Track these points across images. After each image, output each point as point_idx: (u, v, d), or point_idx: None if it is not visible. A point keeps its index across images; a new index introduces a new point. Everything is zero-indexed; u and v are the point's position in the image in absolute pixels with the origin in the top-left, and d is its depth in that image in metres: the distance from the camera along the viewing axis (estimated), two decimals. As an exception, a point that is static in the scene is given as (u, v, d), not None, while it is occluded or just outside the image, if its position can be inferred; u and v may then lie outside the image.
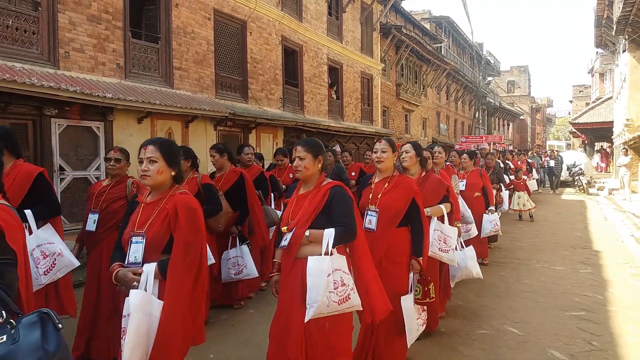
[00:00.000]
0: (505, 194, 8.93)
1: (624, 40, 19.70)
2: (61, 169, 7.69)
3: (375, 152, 3.70)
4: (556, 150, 26.07)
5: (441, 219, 4.25)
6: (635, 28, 16.48)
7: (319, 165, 3.02)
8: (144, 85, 9.17)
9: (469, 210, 6.03)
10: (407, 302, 3.54)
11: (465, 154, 7.21)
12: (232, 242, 5.16)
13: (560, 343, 4.32)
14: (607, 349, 4.21)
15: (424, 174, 4.22)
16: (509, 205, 11.70)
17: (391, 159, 3.70)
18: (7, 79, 6.37)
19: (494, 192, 8.11)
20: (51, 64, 7.67)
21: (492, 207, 7.21)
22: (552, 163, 20.77)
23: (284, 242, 2.92)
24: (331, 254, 2.77)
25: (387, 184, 3.65)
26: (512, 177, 12.16)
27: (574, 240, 9.42)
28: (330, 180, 3.10)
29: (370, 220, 3.59)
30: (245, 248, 5.12)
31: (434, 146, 5.35)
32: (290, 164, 6.89)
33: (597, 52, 37.23)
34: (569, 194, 19.71)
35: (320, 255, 2.75)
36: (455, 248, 4.49)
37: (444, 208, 4.16)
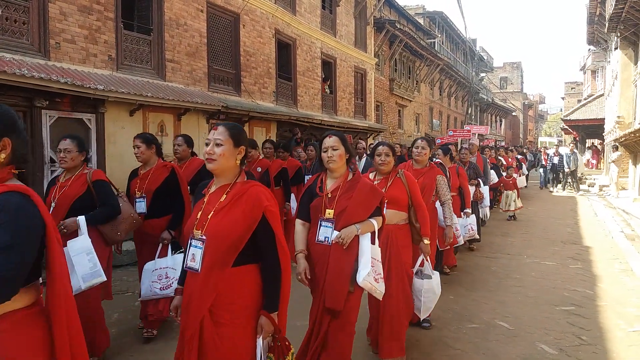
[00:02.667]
0: (485, 189, 8.34)
1: (616, 37, 19.79)
2: (52, 161, 7.61)
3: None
4: (555, 146, 25.99)
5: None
6: (628, 25, 16.56)
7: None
8: (136, 77, 9.09)
9: (455, 215, 5.54)
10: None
11: (439, 150, 6.60)
12: (162, 251, 4.23)
13: (550, 337, 4.36)
14: (596, 343, 4.25)
15: (350, 176, 3.26)
16: (500, 204, 11.59)
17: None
18: (-3, 70, 6.29)
19: (472, 188, 7.75)
20: (42, 54, 7.58)
21: (468, 210, 6.63)
22: (555, 160, 20.17)
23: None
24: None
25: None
26: (504, 174, 11.70)
27: (565, 236, 9.50)
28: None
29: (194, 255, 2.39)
30: (179, 258, 4.07)
31: (417, 140, 4.89)
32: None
33: (589, 49, 37.38)
34: (560, 191, 19.84)
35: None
36: (420, 272, 3.98)
37: (375, 224, 3.20)
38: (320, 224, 3.14)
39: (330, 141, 3.19)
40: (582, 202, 15.83)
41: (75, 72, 7.79)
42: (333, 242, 3.06)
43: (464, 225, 6.54)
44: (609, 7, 16.40)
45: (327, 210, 3.15)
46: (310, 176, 7.34)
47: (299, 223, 3.31)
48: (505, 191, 11.42)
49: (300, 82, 15.00)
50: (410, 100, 26.36)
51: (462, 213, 6.52)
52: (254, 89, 12.67)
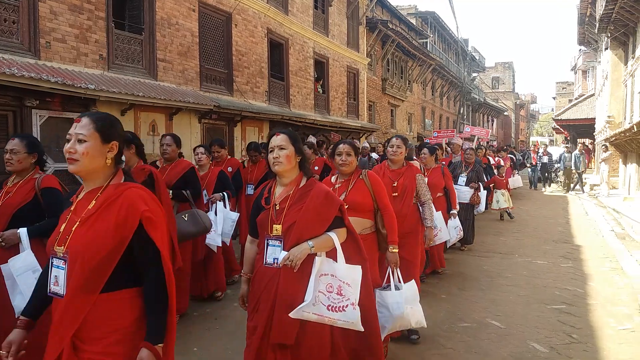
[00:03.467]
0: (482, 194, 8.07)
1: (606, 38, 19.95)
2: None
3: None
4: (544, 145, 26.00)
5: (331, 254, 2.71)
6: (618, 26, 16.69)
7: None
8: (127, 76, 9.05)
9: (440, 217, 5.52)
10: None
11: (424, 149, 6.34)
12: None
13: (541, 336, 4.38)
14: (587, 341, 4.27)
15: (303, 182, 2.71)
16: (490, 206, 11.15)
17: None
18: (-14, 69, 6.24)
19: (472, 191, 7.71)
20: (32, 54, 7.53)
21: (455, 211, 6.24)
22: (545, 159, 20.06)
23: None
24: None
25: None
26: (496, 172, 11.65)
27: (556, 235, 9.55)
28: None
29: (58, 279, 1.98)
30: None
31: (391, 138, 4.56)
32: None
33: (580, 50, 37.69)
34: (552, 190, 19.96)
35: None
36: (386, 288, 3.42)
37: (335, 238, 2.64)
38: (268, 243, 2.61)
39: (277, 140, 2.65)
40: (573, 201, 15.94)
41: (66, 71, 7.74)
42: (281, 264, 2.53)
43: (454, 227, 6.17)
44: (599, 8, 16.51)
45: (274, 225, 2.61)
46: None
47: (248, 241, 2.86)
48: (497, 190, 11.08)
49: (292, 82, 14.99)
50: (403, 100, 26.42)
51: (449, 214, 6.13)
52: (246, 88, 12.64)
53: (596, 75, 29.41)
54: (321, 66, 17.22)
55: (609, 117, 19.53)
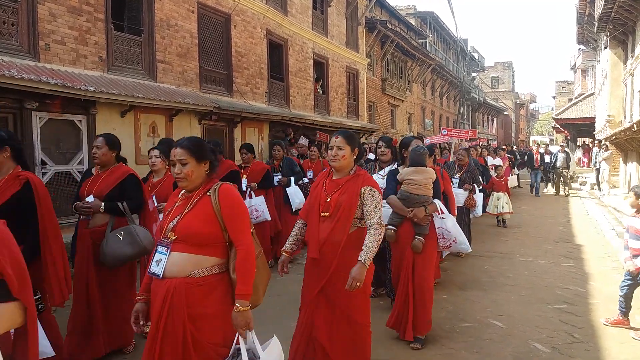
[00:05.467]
0: (479, 196, 7.68)
1: (605, 37, 19.95)
2: (43, 163, 7.55)
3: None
4: (545, 144, 24.81)
5: None
6: (617, 25, 16.70)
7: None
8: (127, 78, 9.04)
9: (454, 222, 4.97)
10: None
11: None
12: None
13: (542, 335, 4.37)
14: (589, 340, 4.27)
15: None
16: (486, 208, 10.12)
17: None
18: (-14, 71, 6.23)
19: (466, 193, 7.39)
20: (31, 56, 7.51)
21: (453, 218, 5.66)
22: (547, 159, 18.30)
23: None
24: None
25: None
26: (493, 173, 10.81)
27: (557, 234, 9.55)
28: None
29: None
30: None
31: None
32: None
33: (579, 49, 37.69)
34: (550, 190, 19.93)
35: None
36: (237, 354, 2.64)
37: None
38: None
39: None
40: (573, 200, 15.92)
41: (66, 73, 7.73)
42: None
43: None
44: (598, 7, 16.52)
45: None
46: (280, 177, 7.32)
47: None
48: (495, 193, 10.44)
49: (292, 83, 14.99)
50: (403, 100, 26.42)
51: None
52: (246, 89, 12.64)
53: (596, 74, 29.42)
54: (321, 67, 17.22)
55: (608, 116, 19.53)
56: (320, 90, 17.12)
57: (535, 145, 22.67)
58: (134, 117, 9.15)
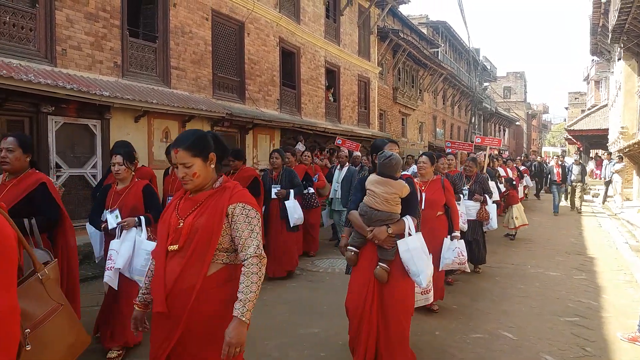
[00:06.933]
0: (492, 207, 7.26)
1: (619, 48, 19.80)
2: (57, 166, 7.64)
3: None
4: (557, 156, 23.90)
5: None
6: (631, 37, 16.58)
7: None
8: (141, 84, 9.14)
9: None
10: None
11: (423, 156, 5.38)
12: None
13: (554, 348, 4.33)
14: (600, 354, 4.22)
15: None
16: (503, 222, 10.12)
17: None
18: (4, 75, 6.33)
19: (478, 205, 7.04)
20: (48, 61, 7.64)
21: (457, 233, 5.09)
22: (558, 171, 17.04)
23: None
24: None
25: None
26: (501, 185, 10.41)
27: (569, 247, 9.46)
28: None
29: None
30: None
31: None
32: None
33: (592, 60, 37.41)
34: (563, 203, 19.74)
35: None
36: None
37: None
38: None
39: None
40: (586, 213, 15.77)
41: (81, 78, 7.84)
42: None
43: (452, 249, 4.97)
44: (612, 19, 16.43)
45: None
46: (279, 188, 6.79)
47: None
48: (511, 206, 10.17)
49: (304, 90, 15.05)
50: (414, 109, 26.41)
51: (450, 237, 5.08)
52: (258, 96, 12.72)
53: (609, 86, 29.21)
54: (332, 75, 17.28)
55: (622, 128, 19.35)
56: (331, 98, 17.17)
57: (555, 157, 21.53)
58: (147, 122, 9.25)
